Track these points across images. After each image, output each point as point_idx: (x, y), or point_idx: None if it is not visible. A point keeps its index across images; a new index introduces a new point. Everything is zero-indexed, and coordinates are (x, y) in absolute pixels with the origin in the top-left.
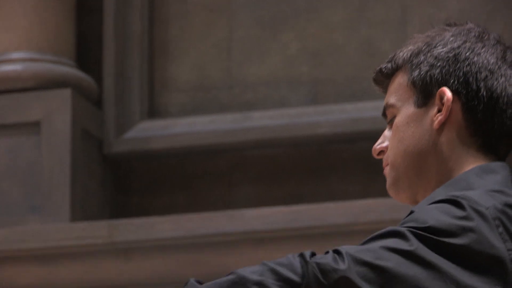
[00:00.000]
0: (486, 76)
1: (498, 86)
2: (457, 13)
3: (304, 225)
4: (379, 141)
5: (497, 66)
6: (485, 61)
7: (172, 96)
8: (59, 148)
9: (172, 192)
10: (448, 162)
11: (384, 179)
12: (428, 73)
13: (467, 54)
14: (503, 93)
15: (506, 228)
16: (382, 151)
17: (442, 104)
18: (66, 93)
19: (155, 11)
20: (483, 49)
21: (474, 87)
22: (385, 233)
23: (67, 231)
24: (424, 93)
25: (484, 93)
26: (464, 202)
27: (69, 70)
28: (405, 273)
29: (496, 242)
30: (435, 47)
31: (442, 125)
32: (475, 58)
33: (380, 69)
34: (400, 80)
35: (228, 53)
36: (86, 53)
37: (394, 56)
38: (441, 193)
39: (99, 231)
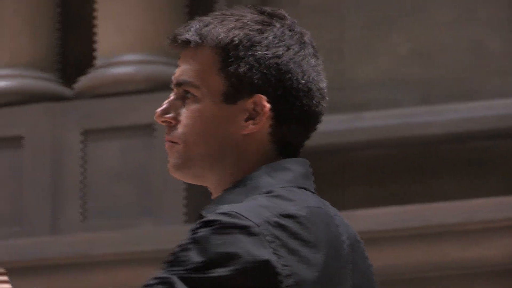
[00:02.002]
0: (304, 93)
1: (312, 105)
2: None
3: (415, 225)
4: (166, 108)
5: (314, 83)
6: (306, 76)
7: None
8: None
9: None
10: (246, 167)
11: (494, 178)
12: (247, 74)
13: (291, 65)
14: (312, 112)
15: (282, 243)
16: (167, 122)
17: (255, 111)
18: None
19: None
20: (304, 61)
21: (291, 103)
22: (154, 282)
23: (181, 233)
24: (237, 91)
25: (298, 113)
26: (226, 220)
27: None
28: None
29: (265, 254)
30: (257, 45)
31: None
32: (297, 72)
33: (184, 40)
34: (209, 62)
35: (339, 55)
36: None
37: (203, 29)
38: (230, 195)
39: None
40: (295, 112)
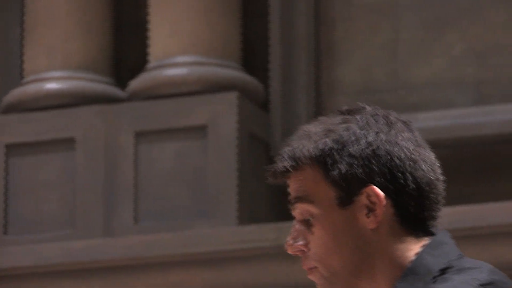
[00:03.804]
0: (411, 167)
1: (423, 175)
2: None
3: (469, 226)
4: (294, 237)
5: (416, 153)
6: (406, 151)
7: (338, 99)
8: (226, 151)
9: None
10: (390, 257)
11: None
12: (350, 173)
13: (386, 147)
14: (427, 181)
15: None
16: (299, 250)
17: (371, 203)
18: (233, 96)
19: (321, 14)
20: (398, 137)
21: (402, 181)
22: None
23: (235, 234)
24: (348, 192)
25: (413, 186)
26: None
27: (235, 74)
28: None
29: None
30: (347, 144)
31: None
32: (395, 150)
33: (285, 168)
34: (313, 178)
35: (393, 55)
36: (252, 57)
37: (294, 153)
38: (407, 287)
39: (266, 234)
40: (410, 187)
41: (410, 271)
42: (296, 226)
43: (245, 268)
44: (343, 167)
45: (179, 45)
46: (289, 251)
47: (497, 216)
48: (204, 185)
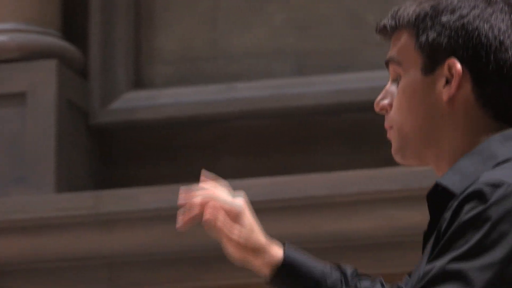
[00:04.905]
0: (496, 48)
1: (508, 58)
2: None
3: (287, 197)
4: (382, 95)
5: (506, 35)
6: (495, 31)
7: (157, 67)
8: (44, 119)
9: (157, 163)
10: (460, 133)
11: (366, 150)
12: (436, 41)
13: (477, 23)
14: (511, 65)
15: None
16: (384, 108)
17: (451, 75)
18: (52, 64)
19: None
20: (493, 16)
21: (484, 60)
22: (442, 277)
23: (52, 202)
24: (432, 60)
25: (494, 67)
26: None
27: (55, 41)
28: None
29: None
30: (442, 12)
31: (452, 97)
32: (485, 28)
33: (384, 25)
34: (406, 40)
35: (213, 24)
36: (72, 24)
37: (397, 12)
38: (467, 164)
39: (83, 202)
40: (492, 69)
41: (475, 152)
42: (387, 86)
43: (61, 236)
44: (431, 34)
45: None
46: (375, 109)
47: (316, 187)
48: (22, 152)
